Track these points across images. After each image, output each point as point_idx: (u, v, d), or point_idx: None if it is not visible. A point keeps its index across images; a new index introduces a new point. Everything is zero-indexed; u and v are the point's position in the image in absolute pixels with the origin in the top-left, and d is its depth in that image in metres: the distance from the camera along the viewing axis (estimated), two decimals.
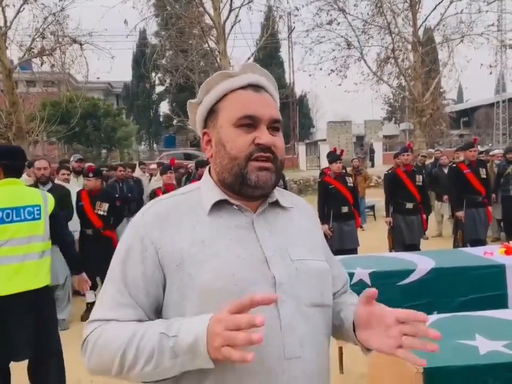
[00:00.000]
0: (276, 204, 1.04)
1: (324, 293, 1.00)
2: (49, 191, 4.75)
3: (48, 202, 2.83)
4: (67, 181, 5.64)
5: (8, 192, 2.72)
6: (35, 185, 4.81)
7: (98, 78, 14.35)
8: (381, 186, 12.04)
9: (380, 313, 0.93)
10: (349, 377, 3.39)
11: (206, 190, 1.02)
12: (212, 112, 1.02)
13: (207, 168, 1.08)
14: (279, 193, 1.06)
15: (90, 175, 5.11)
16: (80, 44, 12.50)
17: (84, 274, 3.07)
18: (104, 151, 22.73)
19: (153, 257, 0.94)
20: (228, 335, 0.76)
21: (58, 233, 2.87)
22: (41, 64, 12.73)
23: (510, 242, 3.42)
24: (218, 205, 0.98)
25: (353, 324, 1.00)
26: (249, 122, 0.95)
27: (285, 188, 11.92)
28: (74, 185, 5.74)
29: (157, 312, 0.96)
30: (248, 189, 0.96)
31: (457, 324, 1.97)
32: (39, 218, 2.76)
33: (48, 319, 2.73)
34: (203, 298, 0.89)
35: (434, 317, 2.12)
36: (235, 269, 0.91)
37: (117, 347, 0.87)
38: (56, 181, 5.57)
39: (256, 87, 1.00)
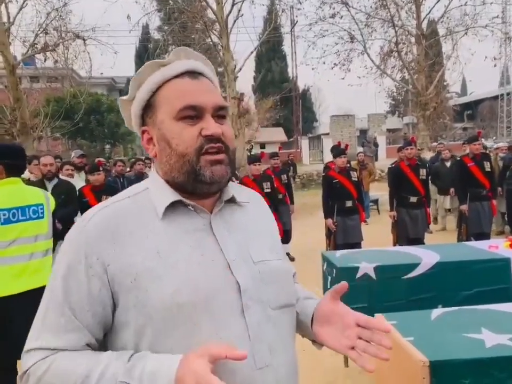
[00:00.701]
0: (232, 200, 0.96)
1: (288, 292, 0.97)
2: (55, 186, 4.81)
3: (50, 201, 2.87)
4: (71, 176, 5.67)
5: (11, 192, 2.71)
6: (41, 181, 4.85)
7: (101, 73, 14.35)
8: (384, 180, 12.05)
9: (342, 312, 0.95)
10: (352, 370, 3.42)
11: (156, 191, 0.91)
12: (147, 108, 0.93)
13: (153, 166, 0.98)
14: (232, 188, 0.98)
15: (100, 169, 5.17)
16: (83, 39, 12.50)
17: None
18: (108, 146, 22.80)
19: (101, 276, 0.83)
20: None
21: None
22: (45, 60, 12.75)
23: None
24: (172, 207, 0.89)
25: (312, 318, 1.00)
26: (192, 113, 0.87)
27: (293, 178, 12.00)
28: (77, 181, 5.77)
29: (105, 330, 0.87)
30: (203, 186, 0.88)
31: (463, 317, 1.98)
32: (43, 217, 2.79)
33: None
34: (165, 315, 0.81)
35: (439, 310, 2.14)
36: (197, 280, 0.83)
37: (69, 381, 0.78)
38: (61, 177, 5.61)
39: (193, 74, 0.91)
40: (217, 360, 0.74)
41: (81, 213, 5.02)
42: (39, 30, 12.17)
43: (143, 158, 10.51)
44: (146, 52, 24.15)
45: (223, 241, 0.89)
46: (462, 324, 1.88)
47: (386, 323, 0.90)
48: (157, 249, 0.84)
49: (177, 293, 0.81)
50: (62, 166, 5.87)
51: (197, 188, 0.88)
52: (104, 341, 0.88)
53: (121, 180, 6.89)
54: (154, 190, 0.91)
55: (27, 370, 0.82)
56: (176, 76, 0.90)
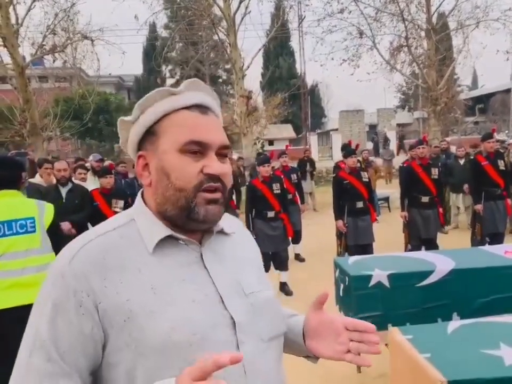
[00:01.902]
0: (220, 231, 0.95)
1: (278, 322, 0.96)
2: (69, 191, 4.83)
3: (45, 214, 2.71)
4: (84, 180, 5.67)
5: (7, 204, 2.67)
6: (55, 186, 4.87)
7: (110, 74, 14.39)
8: (396, 176, 11.93)
9: (330, 320, 0.96)
10: (366, 377, 3.38)
11: (145, 223, 0.88)
12: (149, 134, 0.90)
13: (139, 194, 0.95)
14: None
15: (112, 172, 5.19)
16: (91, 40, 12.54)
17: None
18: (117, 145, 22.88)
19: (92, 313, 0.78)
20: None
21: (58, 247, 2.68)
22: (54, 61, 12.81)
23: None
24: (162, 242, 0.86)
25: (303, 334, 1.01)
26: (197, 149, 0.85)
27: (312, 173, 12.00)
28: (92, 184, 5.78)
29: (92, 373, 0.82)
30: (194, 224, 0.86)
31: (481, 331, 1.93)
32: (34, 231, 2.67)
33: None
34: (160, 353, 0.78)
35: (456, 323, 2.08)
36: (193, 316, 0.82)
37: None
38: (74, 180, 5.62)
39: (202, 108, 0.90)
40: (207, 372, 0.69)
41: (92, 218, 5.09)
42: (47, 31, 12.22)
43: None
44: (153, 50, 24.21)
45: (215, 274, 0.88)
46: (479, 339, 1.83)
47: (368, 324, 0.93)
48: (150, 285, 0.82)
49: (173, 331, 0.79)
50: (75, 170, 5.87)
51: (188, 224, 0.87)
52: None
53: (138, 182, 6.92)
54: (142, 222, 0.89)
55: None
56: (186, 107, 0.88)
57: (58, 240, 2.76)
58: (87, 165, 6.90)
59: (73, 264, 0.81)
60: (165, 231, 0.87)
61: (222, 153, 0.89)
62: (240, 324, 0.86)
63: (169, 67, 33.45)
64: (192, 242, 0.89)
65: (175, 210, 0.86)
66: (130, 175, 7.98)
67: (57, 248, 2.77)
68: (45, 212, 2.73)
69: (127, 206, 5.28)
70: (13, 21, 11.40)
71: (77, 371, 0.79)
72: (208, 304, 0.84)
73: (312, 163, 12.25)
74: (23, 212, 2.67)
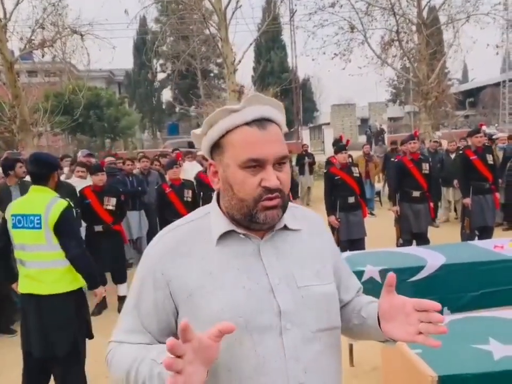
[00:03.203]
0: (284, 227, 1.05)
1: (331, 316, 1.03)
2: (55, 190, 4.79)
3: (51, 212, 2.77)
4: (83, 178, 5.60)
5: (27, 199, 2.90)
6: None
7: (100, 69, 14.24)
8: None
9: (401, 302, 0.99)
10: (358, 370, 3.43)
11: (215, 218, 1.04)
12: (216, 147, 1.01)
13: (215, 194, 1.08)
14: (289, 213, 1.06)
15: (104, 170, 5.15)
16: (81, 35, 12.39)
17: (100, 288, 3.06)
18: (108, 140, 22.72)
19: (164, 289, 0.98)
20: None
21: (62, 246, 2.81)
22: (42, 56, 12.65)
23: None
24: (226, 234, 1.00)
25: (378, 319, 1.04)
26: (255, 164, 0.95)
27: (311, 166, 12.06)
28: (83, 181, 5.72)
29: (171, 334, 0.98)
30: (257, 225, 0.99)
31: (470, 326, 1.97)
32: (39, 228, 2.76)
33: (52, 326, 2.78)
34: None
35: (446, 318, 2.12)
36: (240, 300, 0.94)
37: (123, 367, 0.95)
38: (71, 179, 5.55)
39: (261, 122, 0.97)
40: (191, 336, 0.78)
41: (84, 215, 5.05)
42: (36, 25, 12.05)
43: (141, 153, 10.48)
44: (144, 44, 23.97)
45: (270, 266, 0.98)
46: (469, 334, 1.87)
47: (433, 302, 0.95)
48: (209, 270, 0.97)
49: (221, 312, 0.92)
50: (74, 167, 5.81)
51: (252, 225, 0.99)
52: None
53: (130, 179, 6.87)
54: (213, 217, 1.04)
55: (107, 355, 1.04)
56: (246, 123, 0.96)
57: (64, 238, 2.81)
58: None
59: (155, 249, 1.03)
60: (228, 226, 1.01)
61: (279, 162, 0.98)
62: (286, 313, 0.95)
63: (160, 61, 33.14)
64: (253, 236, 1.01)
65: (240, 216, 0.99)
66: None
67: (64, 246, 2.81)
68: (51, 210, 2.77)
69: (119, 203, 5.25)
70: (1, 15, 11.24)
71: (150, 332, 1.00)
72: (258, 292, 0.95)
73: (313, 157, 12.47)
74: (33, 208, 2.79)
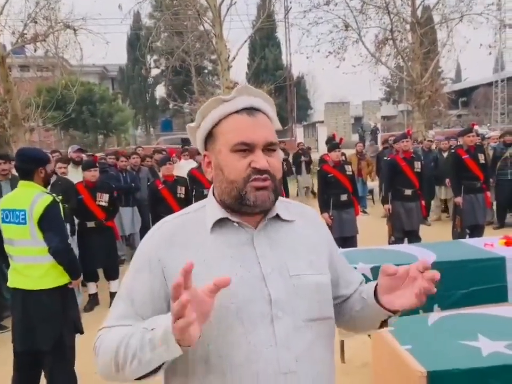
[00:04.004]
0: (277, 217, 1.07)
1: (323, 306, 1.04)
2: (53, 185, 4.76)
3: (35, 207, 2.77)
4: (64, 174, 5.57)
5: (14, 194, 2.92)
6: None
7: (93, 64, 14.13)
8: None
9: (405, 270, 0.97)
10: (349, 366, 3.46)
11: (209, 208, 1.07)
12: (209, 137, 1.06)
13: (212, 187, 1.11)
14: (283, 206, 1.09)
15: (97, 165, 5.12)
16: (74, 29, 12.27)
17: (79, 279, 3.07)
18: (101, 136, 22.57)
19: (160, 276, 1.00)
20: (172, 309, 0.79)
21: (46, 241, 2.81)
22: (35, 50, 12.52)
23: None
24: (220, 223, 1.03)
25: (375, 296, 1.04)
26: (244, 148, 0.99)
27: (308, 164, 11.92)
28: (75, 176, 5.68)
29: None
30: (247, 208, 1.00)
31: (459, 322, 2.00)
32: (24, 223, 2.79)
33: (37, 321, 2.79)
34: None
35: (436, 315, 2.15)
36: (232, 287, 0.92)
37: (111, 348, 0.93)
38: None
39: (250, 110, 1.02)
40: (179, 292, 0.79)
41: (76, 211, 5.03)
42: (28, 19, 11.91)
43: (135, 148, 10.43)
44: (138, 40, 23.81)
45: (262, 255, 1.00)
46: (458, 330, 1.89)
47: (424, 261, 0.95)
48: (203, 258, 0.98)
49: (215, 298, 0.91)
50: (56, 163, 5.77)
51: (242, 208, 1.01)
52: None
53: (124, 175, 6.85)
54: (208, 208, 1.07)
55: (94, 344, 1.01)
56: (236, 111, 1.01)
57: (48, 233, 2.81)
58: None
59: (152, 238, 1.05)
60: (222, 213, 1.03)
61: (269, 148, 1.01)
62: (277, 301, 0.97)
63: (154, 57, 32.96)
64: (247, 225, 1.03)
65: (231, 199, 1.01)
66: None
67: (47, 241, 2.80)
68: (36, 205, 2.78)
69: (112, 199, 5.23)
70: None
71: (144, 318, 0.97)
72: (250, 280, 0.97)
73: (308, 156, 12.29)
74: (19, 203, 2.82)
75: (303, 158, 11.84)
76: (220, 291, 0.90)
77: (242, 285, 0.96)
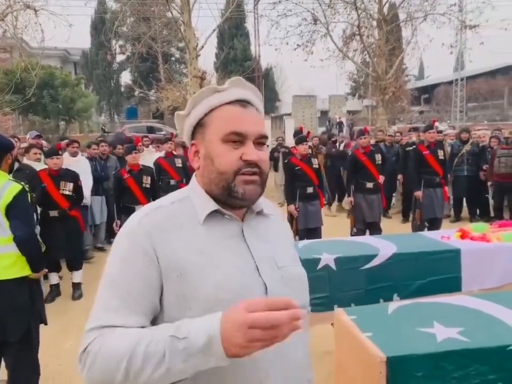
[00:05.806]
0: (259, 212, 1.11)
1: (304, 296, 1.12)
2: (15, 172, 4.59)
3: (3, 196, 2.66)
4: (38, 160, 5.39)
5: None
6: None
7: (55, 47, 13.59)
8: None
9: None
10: (312, 354, 3.55)
11: (198, 199, 1.05)
12: (199, 125, 1.06)
13: (194, 176, 1.11)
14: (261, 201, 1.12)
15: (60, 153, 4.95)
16: (35, 10, 11.75)
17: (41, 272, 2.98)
18: (62, 123, 21.79)
19: (156, 266, 0.96)
20: (253, 334, 0.79)
21: (12, 229, 2.71)
22: None
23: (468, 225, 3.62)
24: (211, 215, 1.02)
25: None
26: (236, 138, 0.99)
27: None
28: (37, 164, 5.50)
29: (152, 319, 0.98)
30: (235, 201, 1.01)
31: (417, 311, 2.10)
32: None
33: (5, 311, 2.70)
34: (206, 308, 0.92)
35: (395, 303, 2.25)
36: (235, 279, 0.97)
37: (121, 354, 0.86)
38: (26, 161, 5.33)
39: (243, 102, 1.03)
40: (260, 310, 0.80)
41: (38, 199, 4.87)
42: None
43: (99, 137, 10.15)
44: (103, 24, 23.05)
45: (253, 247, 1.03)
46: (416, 318, 1.99)
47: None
48: (200, 249, 0.97)
49: (219, 289, 0.94)
50: (29, 149, 5.58)
51: (229, 201, 1.01)
52: None
53: (94, 163, 6.71)
54: (196, 198, 1.05)
55: (86, 348, 0.91)
56: (229, 102, 1.02)
57: (15, 221, 2.70)
58: (24, 144, 6.55)
59: (141, 225, 0.98)
60: (214, 206, 1.02)
61: (259, 142, 1.02)
62: (272, 290, 1.00)
63: (120, 42, 32.05)
64: (235, 218, 1.04)
65: (219, 190, 1.01)
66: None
67: (13, 229, 2.70)
68: (4, 193, 2.66)
69: (77, 188, 5.09)
70: None
71: (144, 313, 0.95)
72: (246, 271, 0.99)
73: (288, 150, 10.65)
74: None
75: (281, 152, 10.03)
76: (226, 285, 0.94)
77: (242, 276, 0.98)
